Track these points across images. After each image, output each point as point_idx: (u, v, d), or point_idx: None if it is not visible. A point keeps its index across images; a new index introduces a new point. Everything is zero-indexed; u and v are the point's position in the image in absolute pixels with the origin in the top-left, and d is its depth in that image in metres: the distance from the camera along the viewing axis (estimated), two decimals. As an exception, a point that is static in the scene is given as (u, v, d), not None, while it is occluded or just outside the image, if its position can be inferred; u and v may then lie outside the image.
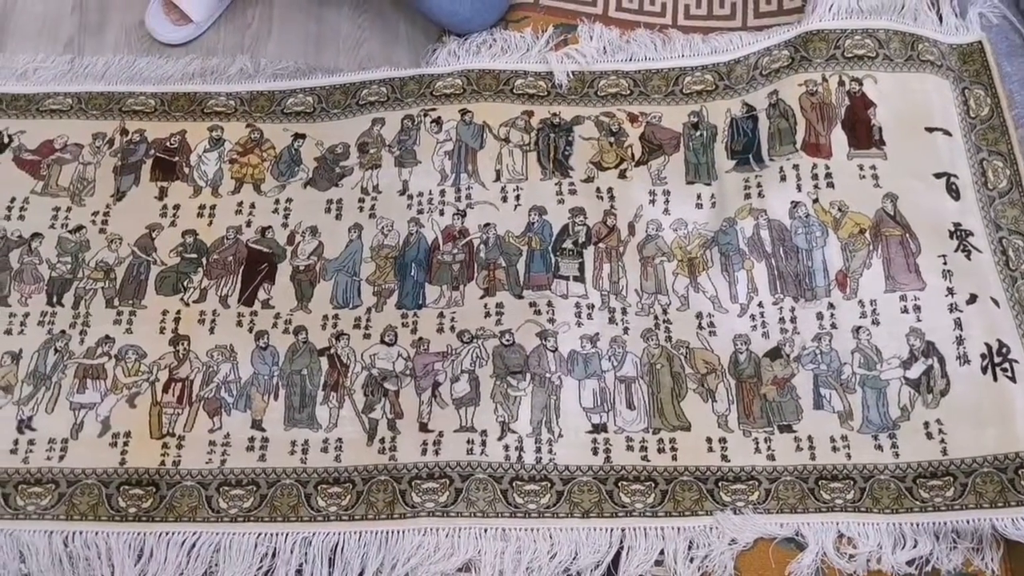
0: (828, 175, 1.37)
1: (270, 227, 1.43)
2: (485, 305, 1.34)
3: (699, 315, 1.33)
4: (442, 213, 1.42)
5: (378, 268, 1.39)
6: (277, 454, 1.26)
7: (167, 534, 1.21)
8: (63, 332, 1.34)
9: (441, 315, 1.34)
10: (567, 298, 1.34)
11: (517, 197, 1.42)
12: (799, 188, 1.37)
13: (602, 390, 1.29)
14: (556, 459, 1.24)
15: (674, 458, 1.24)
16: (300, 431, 1.28)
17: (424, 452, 1.24)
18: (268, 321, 1.35)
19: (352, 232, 1.41)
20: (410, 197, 1.43)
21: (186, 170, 1.48)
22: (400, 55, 1.62)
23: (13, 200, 1.45)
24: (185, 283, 1.39)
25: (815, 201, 1.36)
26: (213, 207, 1.45)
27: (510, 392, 1.28)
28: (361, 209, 1.43)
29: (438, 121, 1.48)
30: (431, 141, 1.47)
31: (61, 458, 1.26)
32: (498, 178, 1.44)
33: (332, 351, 1.32)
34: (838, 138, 1.39)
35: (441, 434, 1.25)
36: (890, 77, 1.43)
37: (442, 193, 1.43)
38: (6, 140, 1.50)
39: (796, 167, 1.38)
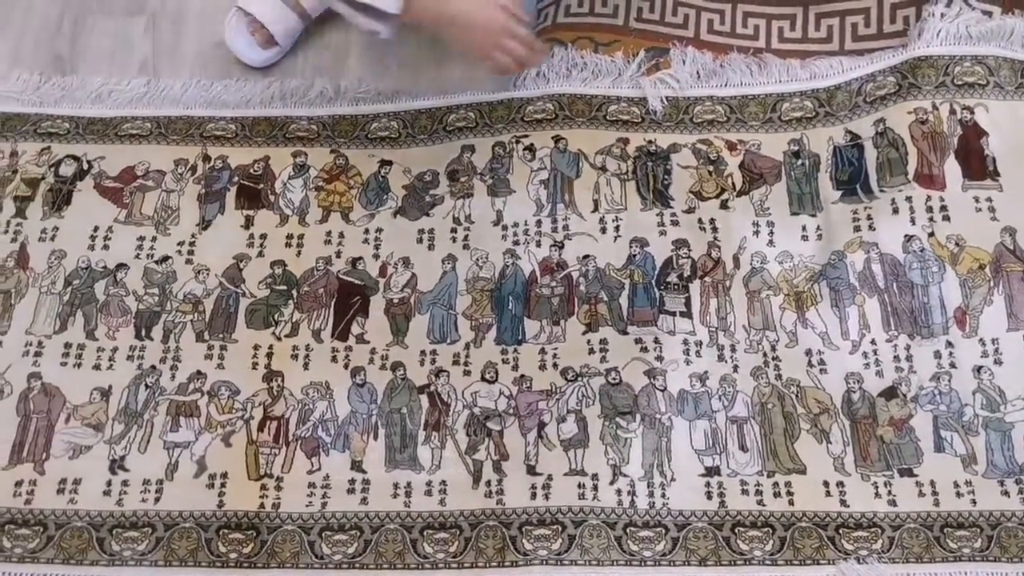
0: (943, 207, 1.33)
1: (361, 258, 1.38)
2: (588, 341, 1.30)
3: (808, 352, 1.29)
4: (539, 244, 1.37)
5: (474, 301, 1.34)
6: (379, 497, 1.21)
7: (270, 582, 1.16)
8: (153, 367, 1.30)
9: (543, 351, 1.30)
10: (674, 334, 1.30)
11: (616, 228, 1.38)
12: (913, 221, 1.32)
13: (713, 431, 1.24)
14: (669, 504, 1.19)
15: (791, 503, 1.20)
16: (402, 473, 1.23)
17: (534, 496, 1.20)
18: (364, 357, 1.31)
19: (446, 263, 1.37)
20: (505, 228, 1.39)
21: (271, 198, 1.44)
22: (482, 76, 1.57)
23: (96, 229, 1.41)
24: (276, 316, 1.34)
25: (931, 235, 1.31)
26: (301, 237, 1.41)
27: (620, 434, 1.23)
28: (454, 240, 1.39)
29: (531, 148, 1.44)
30: (525, 169, 1.43)
31: (157, 500, 1.21)
32: (596, 208, 1.39)
33: (432, 388, 1.28)
34: (951, 169, 1.35)
35: (550, 477, 1.21)
36: (1002, 105, 1.38)
37: (538, 224, 1.39)
38: (86, 166, 1.46)
39: (909, 199, 1.34)
